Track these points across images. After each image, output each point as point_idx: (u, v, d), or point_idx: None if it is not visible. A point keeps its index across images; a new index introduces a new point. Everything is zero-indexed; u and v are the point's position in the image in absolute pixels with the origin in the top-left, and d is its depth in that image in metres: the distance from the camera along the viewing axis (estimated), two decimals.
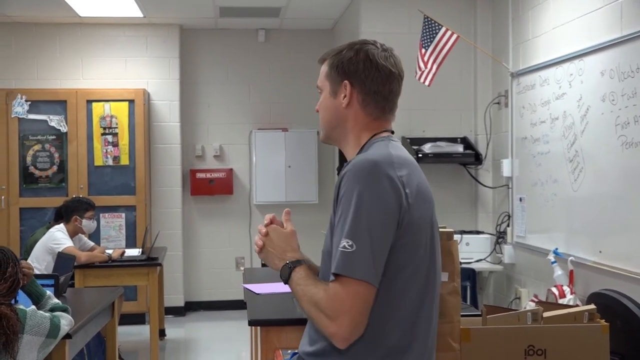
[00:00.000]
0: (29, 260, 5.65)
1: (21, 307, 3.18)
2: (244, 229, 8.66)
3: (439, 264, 2.16)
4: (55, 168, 7.83)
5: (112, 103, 7.91)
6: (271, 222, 2.20)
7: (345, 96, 2.16)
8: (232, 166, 8.68)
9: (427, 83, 6.12)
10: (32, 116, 7.79)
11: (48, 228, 6.19)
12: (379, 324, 1.98)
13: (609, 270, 4.75)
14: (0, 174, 7.71)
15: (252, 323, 3.52)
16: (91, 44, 8.23)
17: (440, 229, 2.56)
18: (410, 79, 6.31)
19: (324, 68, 2.22)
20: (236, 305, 8.29)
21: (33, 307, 3.30)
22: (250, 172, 8.70)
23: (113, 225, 7.88)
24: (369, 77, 2.14)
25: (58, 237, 5.91)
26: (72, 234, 6.09)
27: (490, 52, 6.89)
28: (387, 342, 1.99)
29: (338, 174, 2.32)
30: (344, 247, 1.91)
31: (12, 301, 3.20)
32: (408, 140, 6.95)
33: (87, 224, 6.14)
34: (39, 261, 5.81)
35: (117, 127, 7.90)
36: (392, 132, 2.23)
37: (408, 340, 2.02)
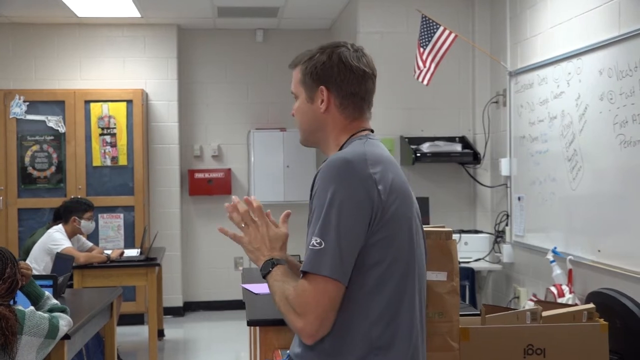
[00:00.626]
0: (27, 261, 5.65)
1: (20, 308, 3.18)
2: None
3: (423, 259, 2.16)
4: (53, 169, 7.82)
5: (110, 103, 7.91)
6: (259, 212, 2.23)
7: (322, 101, 2.18)
8: (230, 166, 8.67)
9: (425, 82, 6.12)
10: (30, 117, 7.79)
11: (47, 229, 6.18)
12: (357, 321, 1.99)
13: (607, 269, 4.75)
14: None
15: (250, 323, 3.52)
16: (89, 44, 8.23)
17: (439, 229, 2.56)
18: (409, 78, 6.36)
19: (297, 74, 2.25)
20: (235, 305, 8.29)
21: (32, 307, 3.30)
22: (248, 172, 8.69)
23: (111, 226, 7.88)
24: (345, 80, 2.16)
25: (56, 237, 5.91)
26: (71, 235, 6.09)
27: (489, 51, 6.89)
28: (367, 338, 1.99)
29: None
30: (313, 244, 1.96)
31: (11, 302, 3.20)
32: (406, 139, 6.95)
33: (86, 224, 6.14)
34: (38, 262, 5.81)
35: (115, 128, 7.90)
36: (372, 131, 2.24)
37: (389, 337, 2.01)
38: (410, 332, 2.06)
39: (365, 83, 2.18)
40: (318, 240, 1.95)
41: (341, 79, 2.15)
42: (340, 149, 2.17)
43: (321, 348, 2.02)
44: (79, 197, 6.91)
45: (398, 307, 2.03)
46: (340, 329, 2.00)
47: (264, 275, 2.11)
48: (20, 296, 3.47)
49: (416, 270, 2.09)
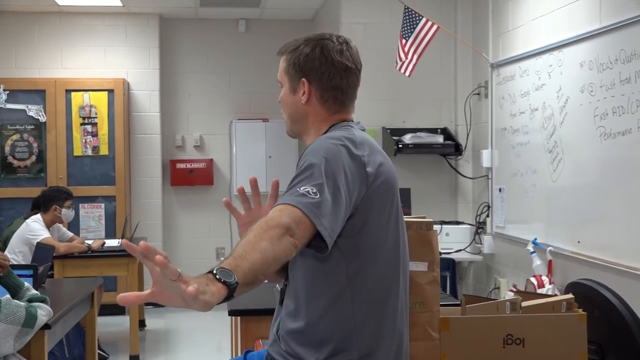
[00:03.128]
0: (6, 252, 5.62)
1: None
2: (224, 219, 8.64)
3: (407, 248, 2.19)
4: (34, 158, 7.77)
5: (91, 93, 7.86)
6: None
7: (303, 93, 2.18)
8: (212, 156, 8.65)
9: (407, 74, 6.13)
10: (10, 105, 7.73)
11: (24, 219, 6.14)
12: (341, 305, 2.03)
13: (587, 260, 4.79)
14: None
15: (231, 313, 3.54)
16: (70, 33, 8.17)
17: (420, 219, 2.57)
18: (391, 70, 6.37)
19: (283, 63, 2.24)
20: None
21: (7, 296, 3.28)
22: (230, 163, 8.68)
23: (92, 216, 7.84)
24: (326, 74, 2.16)
25: (34, 228, 5.87)
26: (50, 224, 6.05)
27: (471, 43, 6.91)
28: (349, 321, 2.03)
29: None
30: (308, 192, 1.87)
31: None
32: (388, 130, 6.96)
33: (66, 213, 6.11)
34: (16, 252, 5.78)
35: (96, 117, 7.85)
36: (352, 121, 2.24)
37: (375, 320, 2.06)
38: (396, 319, 2.11)
39: (347, 77, 2.18)
40: (314, 190, 1.87)
41: (322, 71, 2.15)
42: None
43: (305, 336, 2.05)
44: (59, 185, 6.87)
45: (384, 293, 2.08)
46: (324, 313, 2.03)
47: (234, 288, 1.63)
48: (0, 288, 3.46)
49: (403, 259, 2.14)
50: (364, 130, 2.20)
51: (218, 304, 1.60)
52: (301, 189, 1.88)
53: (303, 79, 2.17)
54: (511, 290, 5.47)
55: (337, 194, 1.92)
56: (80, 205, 7.70)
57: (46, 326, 3.43)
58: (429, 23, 6.06)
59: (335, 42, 2.19)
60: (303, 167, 1.95)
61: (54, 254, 5.66)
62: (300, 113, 2.21)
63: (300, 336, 2.07)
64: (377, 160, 2.06)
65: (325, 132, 2.17)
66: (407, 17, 6.11)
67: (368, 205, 2.01)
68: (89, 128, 7.84)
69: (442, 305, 2.64)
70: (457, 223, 6.96)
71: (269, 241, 1.74)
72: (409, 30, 6.10)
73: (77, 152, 7.83)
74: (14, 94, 7.74)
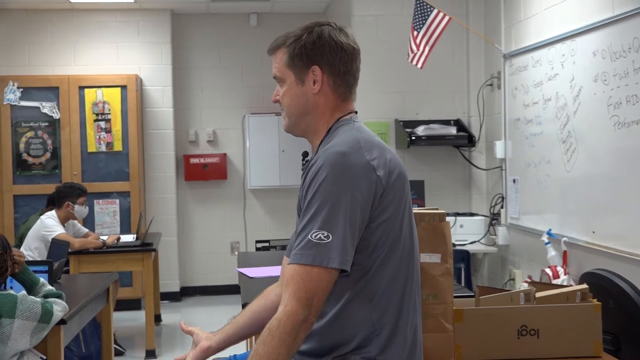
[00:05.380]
0: (22, 249, 5.65)
1: (12, 292, 3.19)
2: (238, 213, 8.66)
3: (417, 239, 2.18)
4: (48, 155, 7.81)
5: (104, 89, 7.88)
6: None
7: (315, 82, 2.12)
8: (225, 151, 8.67)
9: (419, 65, 6.11)
10: (24, 103, 7.77)
11: (39, 215, 6.17)
12: (360, 303, 2.02)
13: (602, 250, 4.77)
14: None
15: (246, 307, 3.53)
16: (82, 29, 8.20)
17: (432, 211, 2.57)
18: (403, 62, 6.35)
19: (282, 57, 2.16)
20: (232, 289, 8.31)
21: (24, 292, 3.31)
22: (244, 157, 8.69)
23: (107, 212, 7.87)
24: (337, 58, 2.11)
25: (49, 224, 5.90)
26: (64, 220, 6.08)
27: (483, 34, 6.88)
28: (369, 319, 2.02)
29: (303, 159, 2.33)
30: (320, 238, 1.91)
31: (2, 287, 3.23)
32: (401, 122, 6.95)
33: (79, 209, 6.13)
34: (31, 249, 5.81)
35: (109, 113, 7.88)
36: (356, 112, 2.21)
37: (391, 317, 2.04)
38: (410, 312, 2.09)
39: (355, 60, 2.16)
40: (325, 234, 1.91)
41: (333, 57, 2.11)
42: (327, 133, 2.14)
43: (325, 336, 2.04)
44: (72, 182, 6.90)
45: (400, 286, 2.06)
46: (343, 313, 2.02)
47: None
48: (16, 285, 3.49)
49: (415, 250, 2.13)
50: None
51: None
52: (313, 235, 1.92)
53: (314, 67, 2.11)
54: (526, 282, 5.46)
55: (353, 214, 1.94)
56: (95, 201, 7.74)
57: (62, 322, 3.45)
58: (441, 14, 6.03)
59: (334, 27, 2.15)
60: (314, 192, 1.96)
61: (69, 250, 5.68)
62: (311, 105, 2.15)
63: (318, 337, 2.06)
64: (386, 157, 2.04)
65: (330, 128, 2.14)
66: (419, 9, 6.09)
67: (386, 204, 2.00)
68: (102, 124, 7.87)
69: (455, 297, 2.64)
70: (472, 214, 6.95)
71: (286, 355, 1.90)
72: (420, 22, 6.08)
73: (91, 148, 7.87)
74: (27, 91, 7.78)
